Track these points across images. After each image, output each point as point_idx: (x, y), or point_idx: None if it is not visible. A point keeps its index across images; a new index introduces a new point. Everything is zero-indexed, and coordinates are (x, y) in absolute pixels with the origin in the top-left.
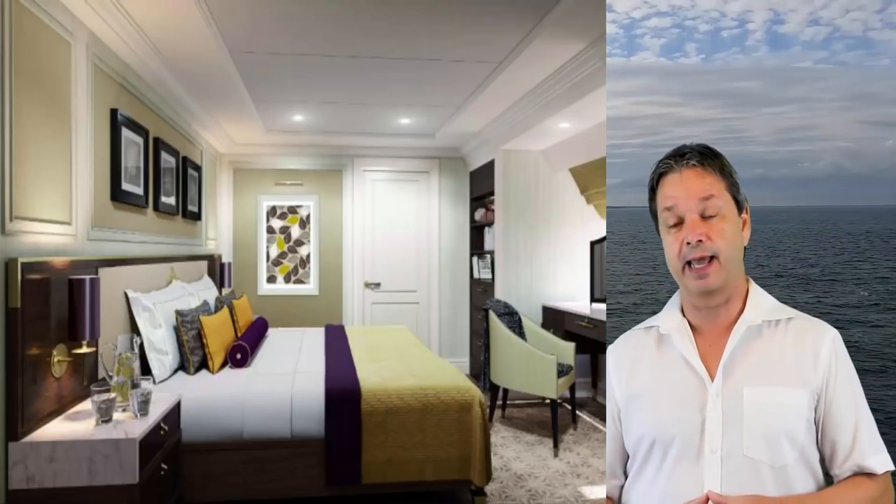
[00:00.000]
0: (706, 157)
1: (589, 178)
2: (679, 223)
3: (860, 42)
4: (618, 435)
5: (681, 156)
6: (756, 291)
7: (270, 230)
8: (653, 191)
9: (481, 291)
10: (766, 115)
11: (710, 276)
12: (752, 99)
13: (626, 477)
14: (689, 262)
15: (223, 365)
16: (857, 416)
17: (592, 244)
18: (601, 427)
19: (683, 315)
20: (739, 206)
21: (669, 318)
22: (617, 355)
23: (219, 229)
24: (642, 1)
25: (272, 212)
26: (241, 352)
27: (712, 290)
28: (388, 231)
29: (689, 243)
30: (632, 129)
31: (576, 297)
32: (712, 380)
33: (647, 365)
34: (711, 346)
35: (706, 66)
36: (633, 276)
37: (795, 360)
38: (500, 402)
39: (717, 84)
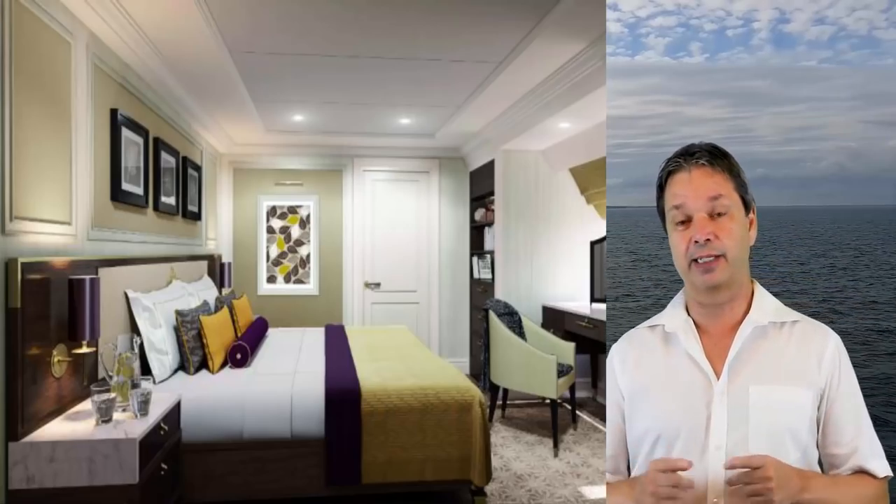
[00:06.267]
0: (715, 156)
1: (589, 178)
2: (687, 221)
3: (865, 41)
4: (621, 431)
5: (690, 154)
6: (761, 293)
7: (270, 230)
8: (661, 189)
9: (481, 291)
10: (771, 114)
11: (716, 271)
12: (758, 98)
13: (629, 473)
14: (695, 259)
15: (223, 365)
16: (858, 419)
17: (592, 244)
18: (601, 427)
19: (688, 314)
20: (747, 206)
21: (674, 317)
22: (622, 353)
23: (219, 229)
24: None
25: (272, 212)
26: (241, 352)
27: (718, 284)
28: (388, 231)
29: (696, 242)
30: (637, 128)
31: (576, 297)
32: (718, 378)
33: (652, 362)
34: (716, 345)
35: (711, 66)
36: (633, 276)
37: (800, 362)
38: (500, 402)
39: (723, 83)
